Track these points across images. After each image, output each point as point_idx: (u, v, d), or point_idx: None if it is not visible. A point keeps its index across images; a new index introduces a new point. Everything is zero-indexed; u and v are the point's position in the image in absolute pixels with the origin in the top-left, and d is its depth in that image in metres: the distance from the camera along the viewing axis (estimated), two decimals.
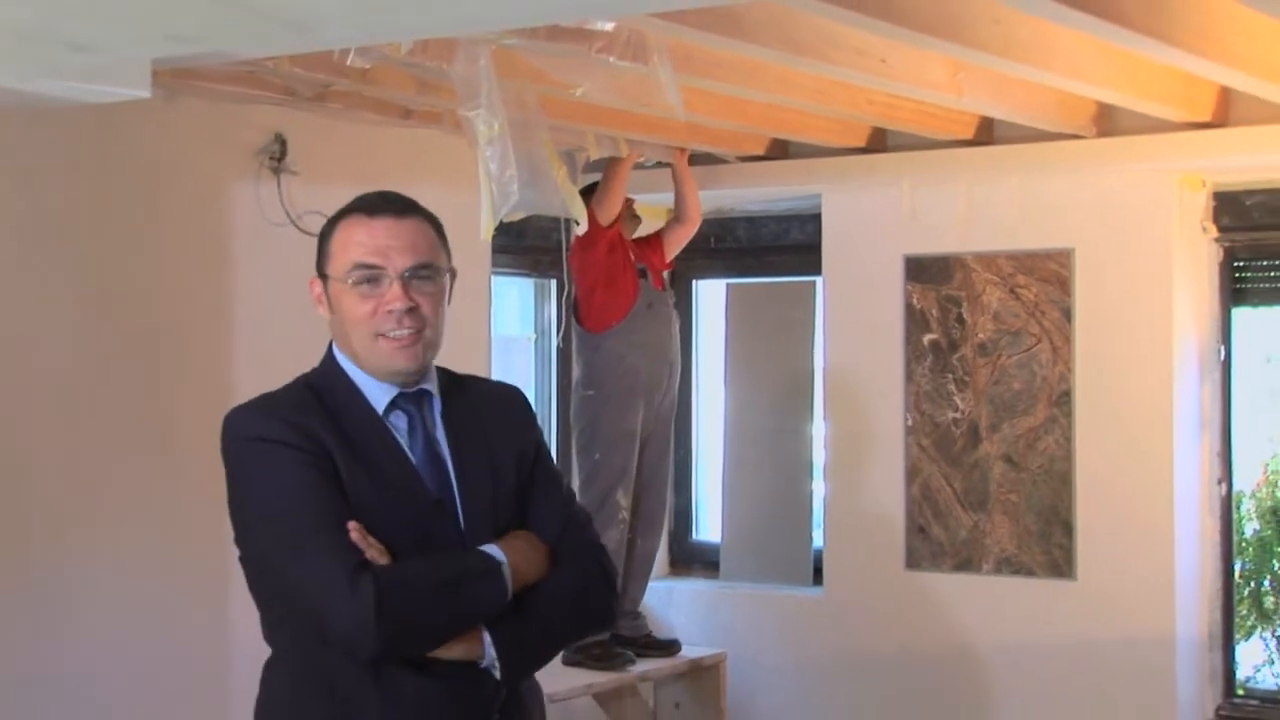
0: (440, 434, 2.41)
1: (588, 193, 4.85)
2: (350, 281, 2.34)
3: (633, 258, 5.12)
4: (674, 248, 5.39)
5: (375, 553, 2.23)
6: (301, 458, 2.27)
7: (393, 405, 2.38)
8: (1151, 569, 4.92)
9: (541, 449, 2.53)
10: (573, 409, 5.20)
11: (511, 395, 2.58)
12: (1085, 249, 5.05)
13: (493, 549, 2.31)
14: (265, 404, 2.36)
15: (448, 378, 2.48)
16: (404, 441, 2.37)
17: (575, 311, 5.17)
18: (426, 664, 2.27)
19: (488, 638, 2.30)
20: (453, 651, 2.28)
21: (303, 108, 4.30)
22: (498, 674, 2.32)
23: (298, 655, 2.34)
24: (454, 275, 2.44)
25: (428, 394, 2.42)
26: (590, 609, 2.47)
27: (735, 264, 6.06)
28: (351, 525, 2.24)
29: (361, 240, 2.35)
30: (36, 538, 3.77)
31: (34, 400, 3.79)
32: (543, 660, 2.44)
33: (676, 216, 5.36)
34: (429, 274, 2.37)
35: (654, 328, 5.14)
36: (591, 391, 5.09)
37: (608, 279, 5.04)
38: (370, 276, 2.34)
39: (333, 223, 2.41)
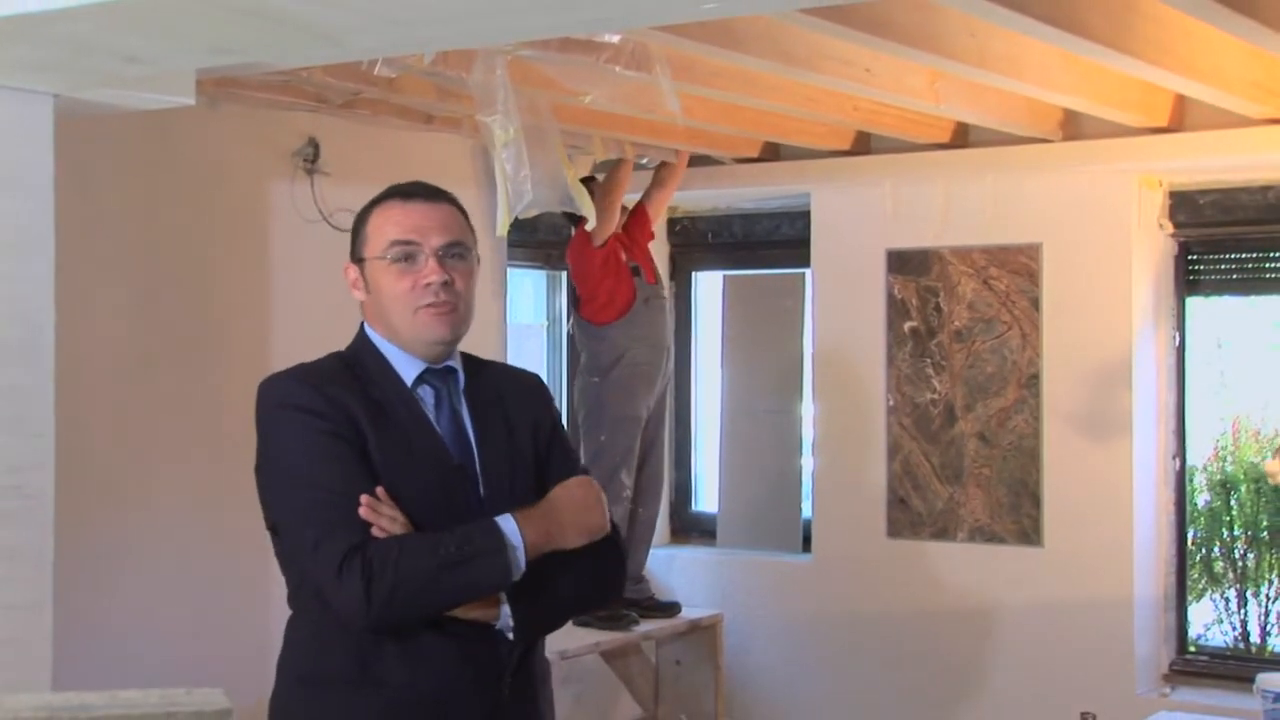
0: (463, 407, 2.35)
1: (586, 182, 4.84)
2: (389, 258, 2.29)
3: (625, 258, 5.11)
4: (657, 213, 5.40)
5: (387, 521, 2.16)
6: (326, 426, 2.21)
7: (420, 380, 2.33)
8: (1112, 537, 4.92)
9: (557, 427, 2.46)
10: (578, 393, 5.19)
11: (530, 380, 2.53)
12: (1052, 243, 5.05)
13: (510, 526, 2.21)
14: (299, 373, 2.31)
15: (471, 360, 2.43)
16: (430, 413, 2.32)
17: (576, 305, 5.17)
18: (443, 622, 2.21)
19: (506, 604, 2.23)
20: (471, 613, 2.22)
21: (334, 114, 4.30)
22: (511, 635, 2.26)
23: (317, 610, 2.24)
24: (478, 261, 2.39)
25: (453, 371, 2.37)
26: (602, 587, 2.41)
27: (731, 257, 6.06)
28: (378, 490, 2.17)
29: (398, 220, 2.31)
30: (95, 505, 3.78)
31: (93, 382, 3.80)
32: (553, 627, 2.37)
33: (655, 182, 5.35)
34: (461, 251, 2.32)
35: (651, 319, 5.14)
36: (596, 379, 5.09)
37: (605, 283, 5.05)
38: (407, 253, 2.28)
39: (367, 210, 2.37)
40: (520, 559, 2.19)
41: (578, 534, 2.29)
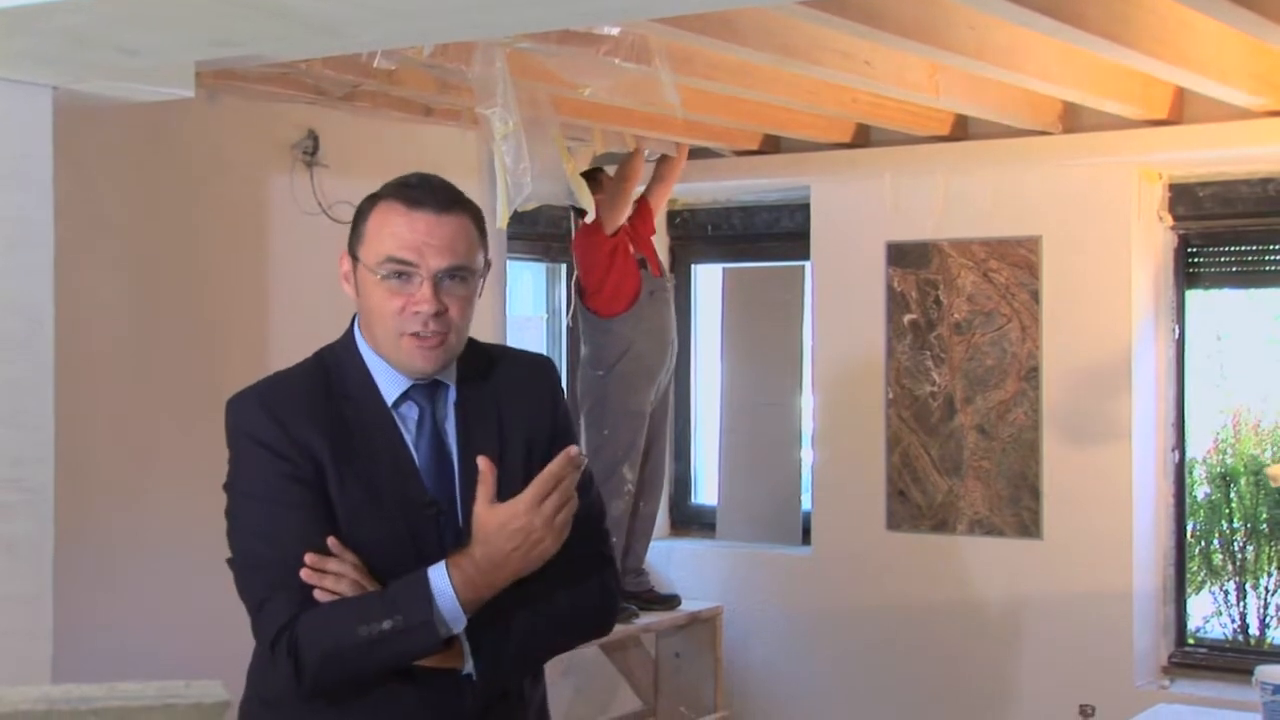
0: (450, 425, 2.15)
1: (589, 175, 4.85)
2: (381, 275, 2.08)
3: (632, 250, 5.11)
4: (658, 206, 5.40)
5: (332, 581, 2.02)
6: (287, 469, 2.06)
7: (404, 397, 2.14)
8: (1111, 529, 4.93)
9: (561, 427, 2.23)
10: (580, 386, 5.16)
11: (537, 368, 2.29)
12: (1052, 236, 5.05)
13: (442, 583, 2.00)
14: (265, 394, 2.14)
15: (472, 351, 2.21)
16: (410, 437, 2.13)
17: (581, 295, 5.16)
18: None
19: (468, 647, 2.05)
20: (430, 659, 2.05)
21: (333, 106, 4.30)
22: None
23: None
24: (488, 266, 2.19)
25: (442, 385, 2.16)
26: (583, 627, 2.23)
27: (731, 250, 6.06)
28: (330, 542, 2.03)
29: (398, 232, 2.08)
30: (95, 500, 3.78)
31: (93, 375, 3.80)
32: (525, 671, 2.20)
33: (656, 176, 5.35)
34: (462, 275, 2.10)
35: (656, 312, 5.14)
36: (600, 372, 5.07)
37: (612, 275, 5.04)
38: (402, 272, 2.07)
39: (371, 202, 2.14)
40: (455, 618, 2.01)
41: (525, 571, 2.06)
